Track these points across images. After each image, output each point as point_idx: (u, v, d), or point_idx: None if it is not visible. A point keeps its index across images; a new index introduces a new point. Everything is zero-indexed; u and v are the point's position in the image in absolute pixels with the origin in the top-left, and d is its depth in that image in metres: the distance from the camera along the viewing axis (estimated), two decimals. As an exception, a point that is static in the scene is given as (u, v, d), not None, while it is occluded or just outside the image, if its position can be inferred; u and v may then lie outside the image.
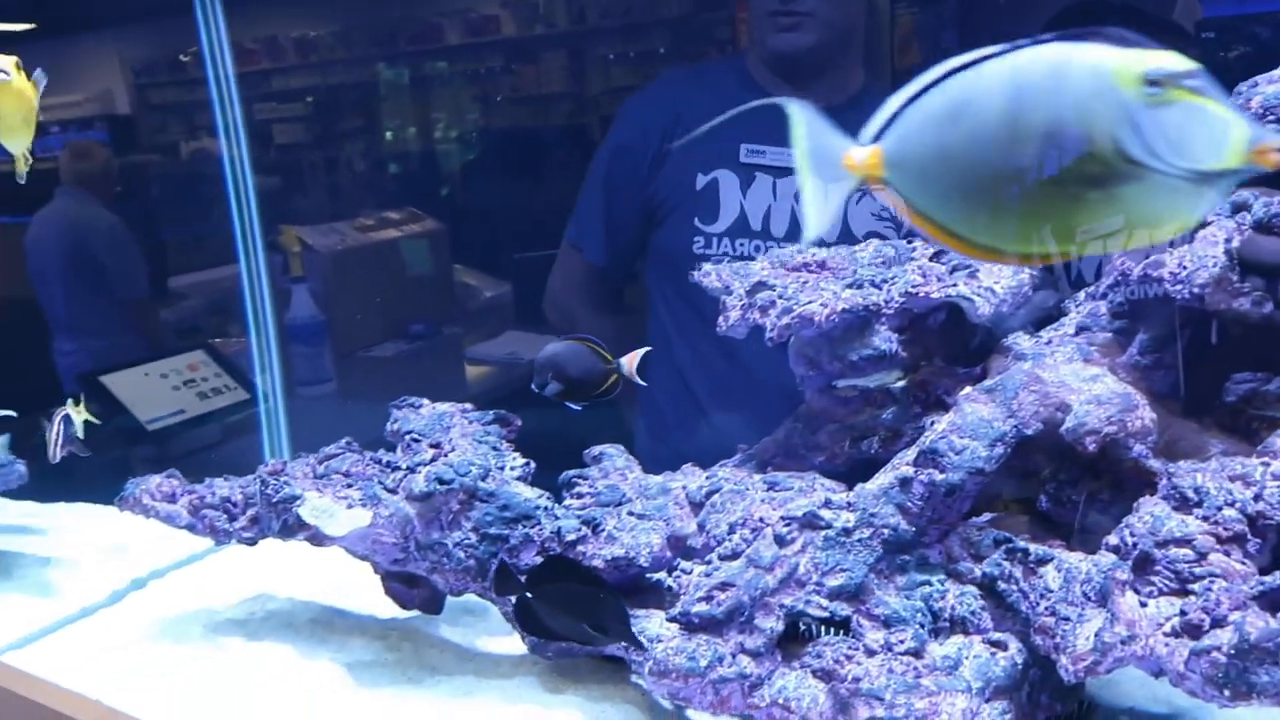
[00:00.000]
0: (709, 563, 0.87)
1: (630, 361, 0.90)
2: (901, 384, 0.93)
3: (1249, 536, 0.72)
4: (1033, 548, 0.80)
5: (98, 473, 1.57)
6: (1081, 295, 0.90)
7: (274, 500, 0.93)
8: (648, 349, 0.93)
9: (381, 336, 2.42)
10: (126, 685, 0.98)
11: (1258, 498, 0.73)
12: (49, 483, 1.40)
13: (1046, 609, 0.76)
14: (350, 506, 0.91)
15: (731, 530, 0.87)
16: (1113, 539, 0.76)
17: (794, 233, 1.29)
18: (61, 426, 1.17)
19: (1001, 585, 0.80)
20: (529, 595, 0.85)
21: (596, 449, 1.02)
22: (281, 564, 1.17)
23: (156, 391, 1.81)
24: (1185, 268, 0.78)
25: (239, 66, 1.54)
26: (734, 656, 0.81)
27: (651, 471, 0.99)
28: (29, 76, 0.99)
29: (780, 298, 0.87)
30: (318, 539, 0.92)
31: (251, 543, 1.00)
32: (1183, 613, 0.70)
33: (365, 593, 1.09)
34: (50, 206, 2.33)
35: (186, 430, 1.75)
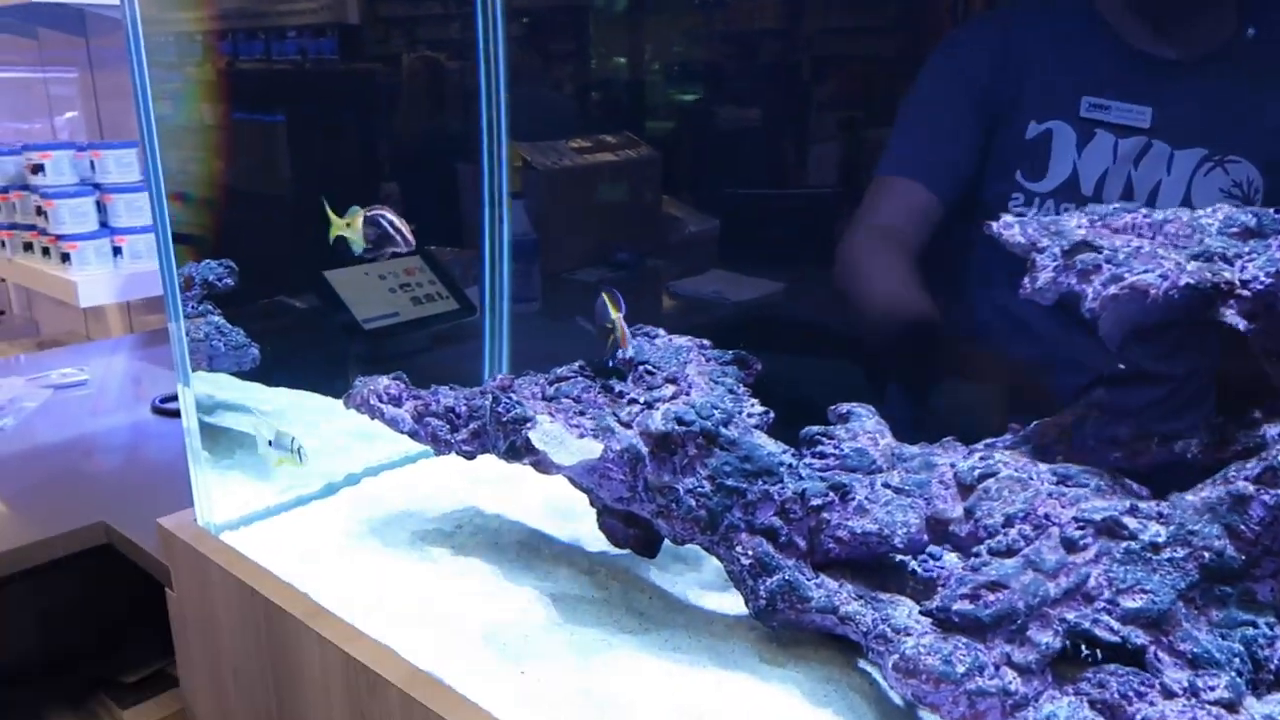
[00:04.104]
0: (976, 555, 0.76)
1: None
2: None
3: None
4: (1403, 603, 0.64)
5: (316, 364, 1.61)
6: None
7: (504, 419, 0.88)
8: None
9: (587, 260, 2.38)
10: (334, 583, 0.98)
11: None
12: (274, 368, 1.43)
13: None
14: (581, 435, 0.85)
15: (1009, 523, 0.75)
16: None
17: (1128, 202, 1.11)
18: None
19: (1351, 641, 0.65)
20: None
21: (844, 406, 0.91)
22: (491, 479, 1.15)
23: (374, 292, 1.84)
24: None
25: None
26: (997, 668, 0.70)
27: (904, 439, 0.88)
28: None
29: (1108, 262, 0.73)
30: (543, 465, 0.87)
31: (470, 456, 0.97)
32: None
33: (574, 521, 1.05)
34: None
35: (398, 333, 1.77)
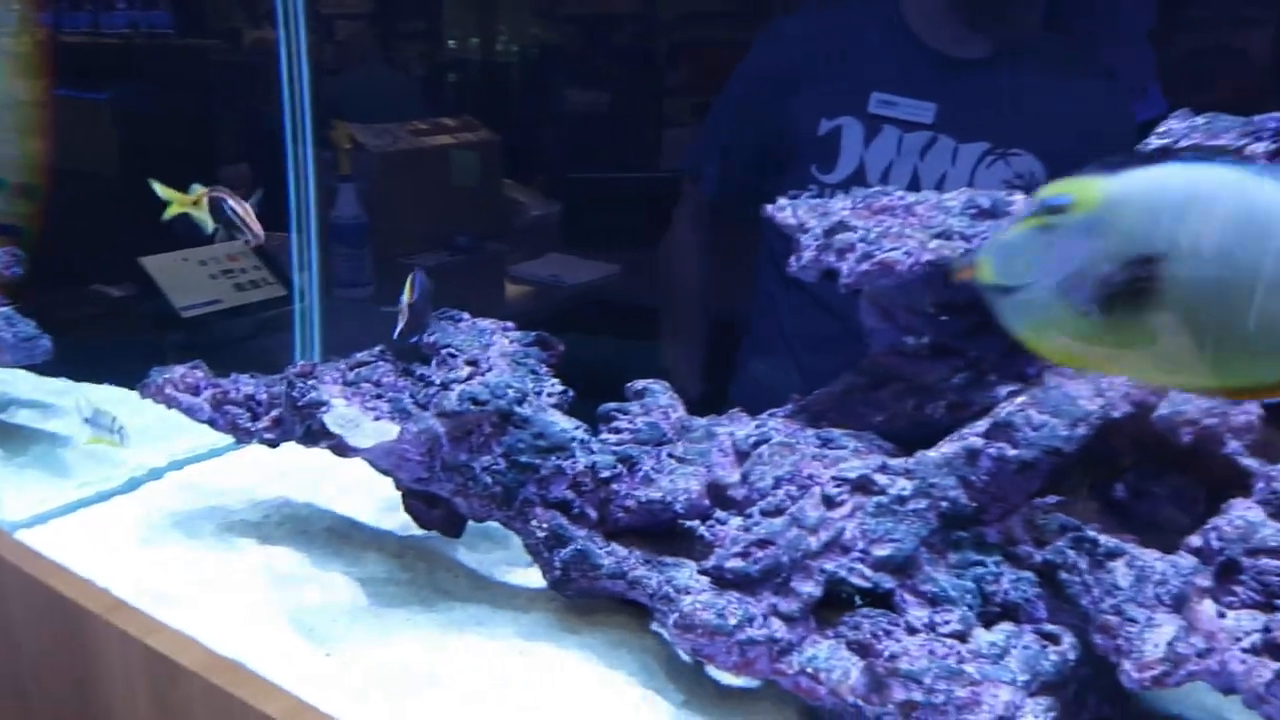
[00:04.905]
0: (749, 516, 0.81)
1: None
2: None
3: (1351, 555, 0.66)
4: (1103, 539, 0.73)
5: (129, 355, 1.56)
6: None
7: (300, 404, 0.88)
8: None
9: (424, 245, 2.37)
10: (135, 577, 0.96)
11: (1368, 514, 0.66)
12: (79, 361, 1.37)
13: (1112, 606, 0.70)
14: (378, 418, 0.86)
15: (777, 484, 0.81)
16: (1196, 540, 0.70)
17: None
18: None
19: (1063, 574, 0.74)
20: None
21: (640, 383, 0.96)
22: (300, 468, 1.14)
23: (194, 278, 1.78)
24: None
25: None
26: (765, 618, 0.76)
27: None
28: None
29: (861, 241, 0.80)
30: (341, 448, 0.88)
31: (273, 444, 0.96)
32: (1266, 629, 0.64)
33: (384, 507, 1.06)
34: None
35: (220, 321, 1.72)
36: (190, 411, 0.97)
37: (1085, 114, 1.31)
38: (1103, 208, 0.49)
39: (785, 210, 0.88)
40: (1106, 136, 1.29)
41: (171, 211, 1.01)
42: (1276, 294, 0.47)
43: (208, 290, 1.76)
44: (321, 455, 0.94)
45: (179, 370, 0.99)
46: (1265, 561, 0.66)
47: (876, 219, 0.84)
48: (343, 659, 0.84)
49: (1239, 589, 0.66)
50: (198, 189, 1.00)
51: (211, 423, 0.97)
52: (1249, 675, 0.62)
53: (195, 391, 0.98)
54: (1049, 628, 0.73)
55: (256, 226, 1.02)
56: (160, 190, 1.01)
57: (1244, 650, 0.64)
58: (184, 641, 0.88)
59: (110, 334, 1.74)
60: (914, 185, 1.30)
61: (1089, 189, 0.49)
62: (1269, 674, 0.61)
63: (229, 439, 1.02)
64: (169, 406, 0.98)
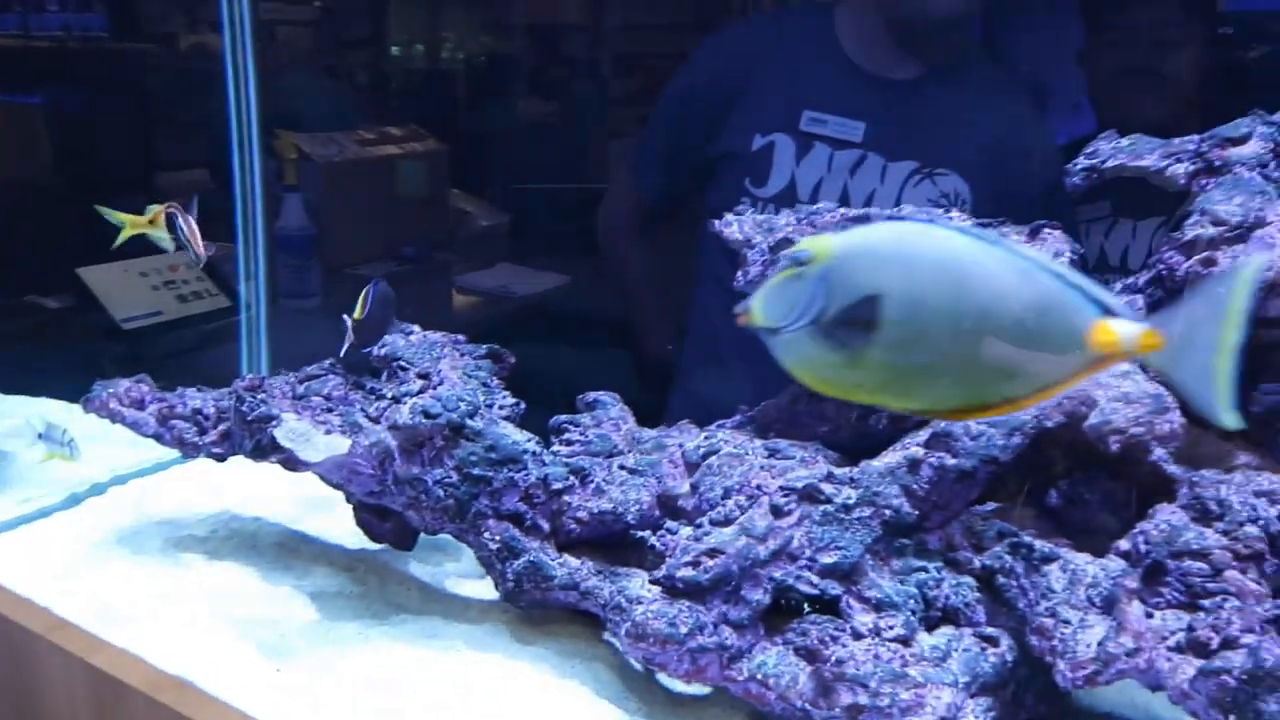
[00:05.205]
0: (699, 526, 0.83)
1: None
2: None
3: (1268, 556, 0.69)
4: (1038, 544, 0.76)
5: (67, 369, 1.52)
6: (1118, 286, 0.85)
7: (249, 418, 0.88)
8: None
9: (372, 255, 2.35)
10: (79, 596, 0.94)
11: (1282, 516, 0.70)
12: (15, 375, 1.34)
13: (1047, 609, 0.73)
14: (329, 432, 0.86)
15: (727, 495, 0.83)
16: (1124, 544, 0.73)
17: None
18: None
19: (1001, 579, 0.77)
20: None
21: (591, 395, 0.97)
22: (249, 482, 1.13)
23: (135, 290, 1.75)
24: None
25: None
26: (716, 626, 0.78)
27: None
28: None
29: (804, 257, 0.82)
30: (292, 463, 0.88)
31: (221, 458, 0.96)
32: (1190, 628, 0.67)
33: (335, 520, 1.05)
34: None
35: (162, 333, 1.69)
36: (135, 426, 0.96)
37: (1010, 136, 1.36)
38: (834, 259, 0.58)
39: (731, 225, 0.90)
40: (1030, 158, 1.34)
41: (126, 234, 1.00)
42: (970, 330, 0.56)
43: (149, 302, 1.73)
44: (270, 469, 0.93)
45: (123, 384, 0.98)
46: (1188, 563, 0.69)
47: (822, 235, 0.86)
48: (293, 675, 0.84)
49: (1165, 590, 0.70)
50: (153, 209, 0.99)
51: (157, 437, 0.96)
52: (1174, 673, 0.65)
53: (140, 405, 0.96)
54: (988, 630, 0.76)
55: (200, 248, 1.01)
56: (112, 216, 1.00)
57: (1169, 649, 0.67)
58: (129, 660, 0.87)
59: (47, 347, 1.69)
60: (844, 202, 1.34)
61: (824, 244, 0.59)
62: (1192, 671, 0.64)
63: (174, 453, 1.01)
64: (113, 421, 0.97)
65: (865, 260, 0.58)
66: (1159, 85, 1.38)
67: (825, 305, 0.58)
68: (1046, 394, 0.58)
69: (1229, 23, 1.57)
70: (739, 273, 0.86)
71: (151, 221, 0.99)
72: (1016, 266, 0.55)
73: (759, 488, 0.82)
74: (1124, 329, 0.55)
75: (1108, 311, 0.55)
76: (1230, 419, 0.56)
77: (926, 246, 0.57)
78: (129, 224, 1.00)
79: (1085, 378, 0.57)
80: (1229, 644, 0.64)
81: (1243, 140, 0.83)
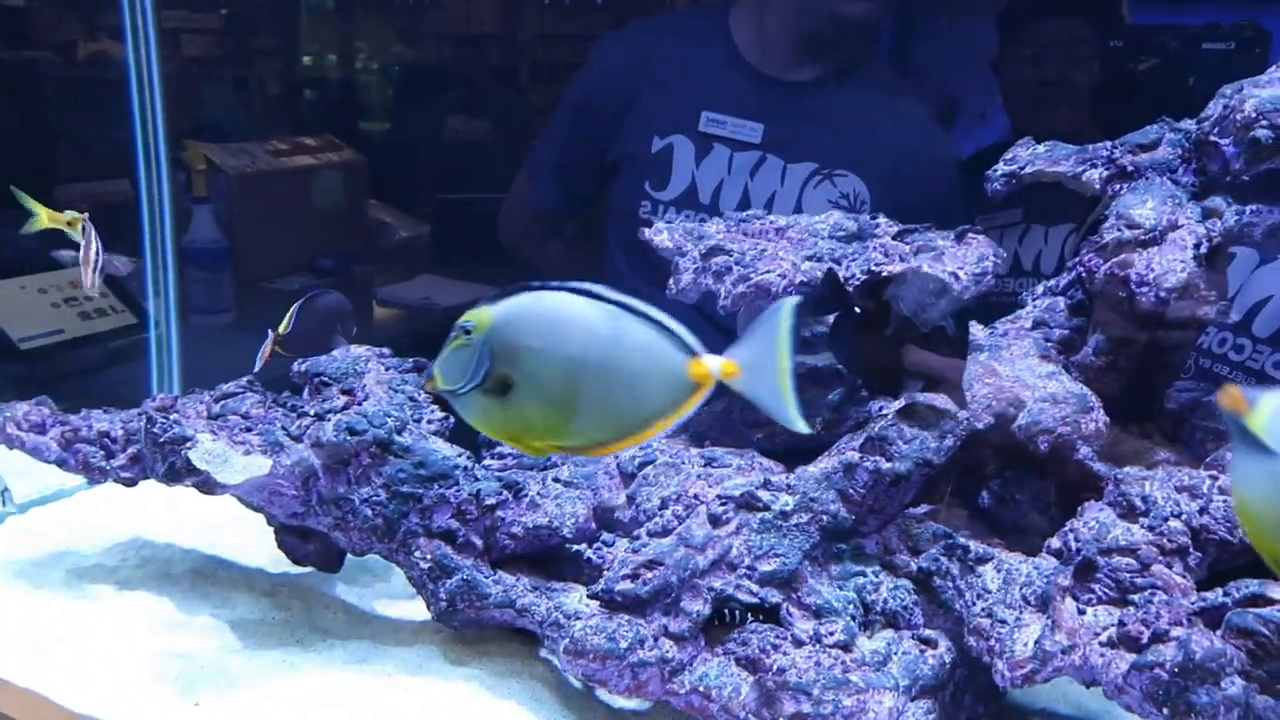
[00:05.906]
0: (637, 538, 0.82)
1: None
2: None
3: (1191, 550, 0.71)
4: (973, 545, 0.77)
5: (-41, 391, 1.43)
6: (1040, 289, 0.87)
7: (161, 440, 0.83)
8: None
9: (288, 268, 2.28)
10: (-25, 632, 0.88)
11: (1203, 510, 0.71)
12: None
13: (983, 610, 0.73)
14: (248, 452, 0.82)
15: (664, 505, 0.82)
16: (1055, 543, 0.74)
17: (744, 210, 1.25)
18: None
19: (937, 581, 0.77)
20: None
21: (521, 408, 0.95)
22: (161, 506, 1.08)
23: (33, 307, 1.66)
24: (1153, 270, 0.76)
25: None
26: (656, 640, 0.76)
27: None
28: None
29: (737, 264, 0.81)
30: (208, 485, 0.84)
31: (131, 483, 0.91)
32: (1121, 623, 0.68)
33: (254, 544, 1.01)
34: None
35: (64, 352, 1.60)
36: (35, 452, 0.90)
37: (906, 138, 1.38)
38: (490, 328, 0.66)
39: (662, 234, 0.90)
40: (926, 160, 1.37)
41: (39, 226, 0.94)
42: (593, 377, 0.66)
43: (49, 319, 1.63)
44: (183, 492, 0.89)
45: (21, 407, 0.92)
46: (1117, 560, 0.70)
47: (751, 242, 0.86)
48: (213, 710, 0.80)
49: (1096, 586, 0.71)
50: (70, 213, 0.94)
51: (60, 463, 0.90)
52: (1108, 668, 0.66)
53: (41, 430, 0.91)
54: (926, 633, 0.77)
55: (90, 280, 0.96)
56: (27, 202, 0.93)
57: (1102, 644, 0.68)
58: (33, 700, 0.81)
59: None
60: (744, 204, 1.34)
61: (483, 315, 0.67)
62: (1126, 666, 0.65)
63: (77, 479, 0.95)
64: (10, 447, 0.91)
65: (510, 328, 0.67)
66: (1074, 95, 1.42)
67: (489, 368, 0.67)
68: (670, 419, 0.67)
69: (1121, 36, 1.63)
70: (670, 280, 0.85)
71: (70, 224, 0.93)
72: (623, 321, 0.66)
73: (696, 497, 0.82)
74: (712, 362, 0.66)
75: (691, 351, 0.66)
76: (801, 426, 0.66)
77: (558, 312, 0.67)
78: (45, 217, 0.94)
79: (691, 406, 0.67)
80: (1159, 638, 0.65)
81: (1153, 146, 0.86)
